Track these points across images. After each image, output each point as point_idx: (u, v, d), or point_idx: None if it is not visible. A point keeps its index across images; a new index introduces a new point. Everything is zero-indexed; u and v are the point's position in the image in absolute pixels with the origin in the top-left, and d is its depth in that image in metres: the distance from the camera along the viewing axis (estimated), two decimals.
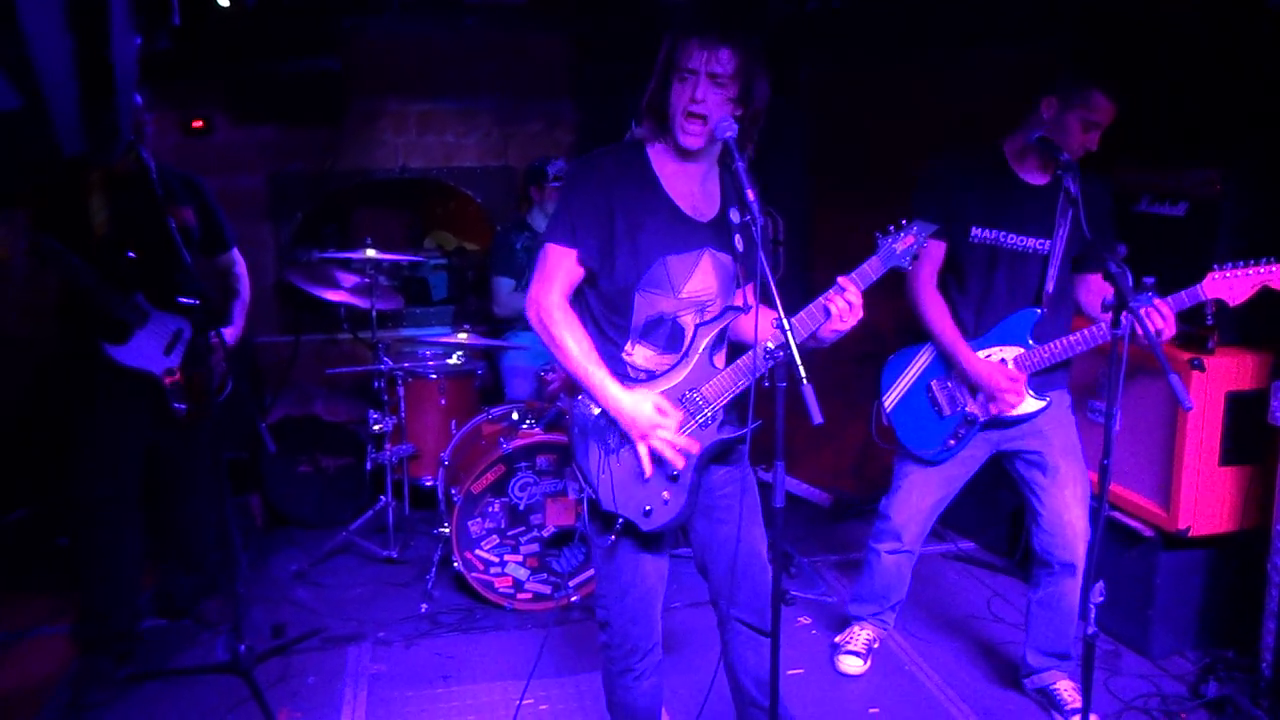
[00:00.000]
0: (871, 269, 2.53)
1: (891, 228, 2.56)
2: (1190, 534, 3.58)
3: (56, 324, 3.62)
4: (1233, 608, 3.72)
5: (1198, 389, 3.48)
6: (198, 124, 5.20)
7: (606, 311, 2.55)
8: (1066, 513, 3.32)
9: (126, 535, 3.67)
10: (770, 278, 2.28)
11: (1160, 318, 2.94)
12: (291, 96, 5.10)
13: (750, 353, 2.48)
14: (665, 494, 2.52)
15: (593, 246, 2.47)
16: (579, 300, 2.58)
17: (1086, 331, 3.15)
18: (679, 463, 2.47)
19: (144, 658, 3.76)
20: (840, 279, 2.48)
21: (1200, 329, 3.53)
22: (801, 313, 2.47)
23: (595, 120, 5.56)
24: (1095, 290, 3.33)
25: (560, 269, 2.49)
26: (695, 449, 2.50)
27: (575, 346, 2.48)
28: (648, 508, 2.52)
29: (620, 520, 2.53)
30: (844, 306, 2.45)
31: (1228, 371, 3.51)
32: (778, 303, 2.26)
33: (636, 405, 2.44)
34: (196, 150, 5.24)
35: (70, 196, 3.45)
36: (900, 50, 4.83)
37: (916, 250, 2.54)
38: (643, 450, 2.45)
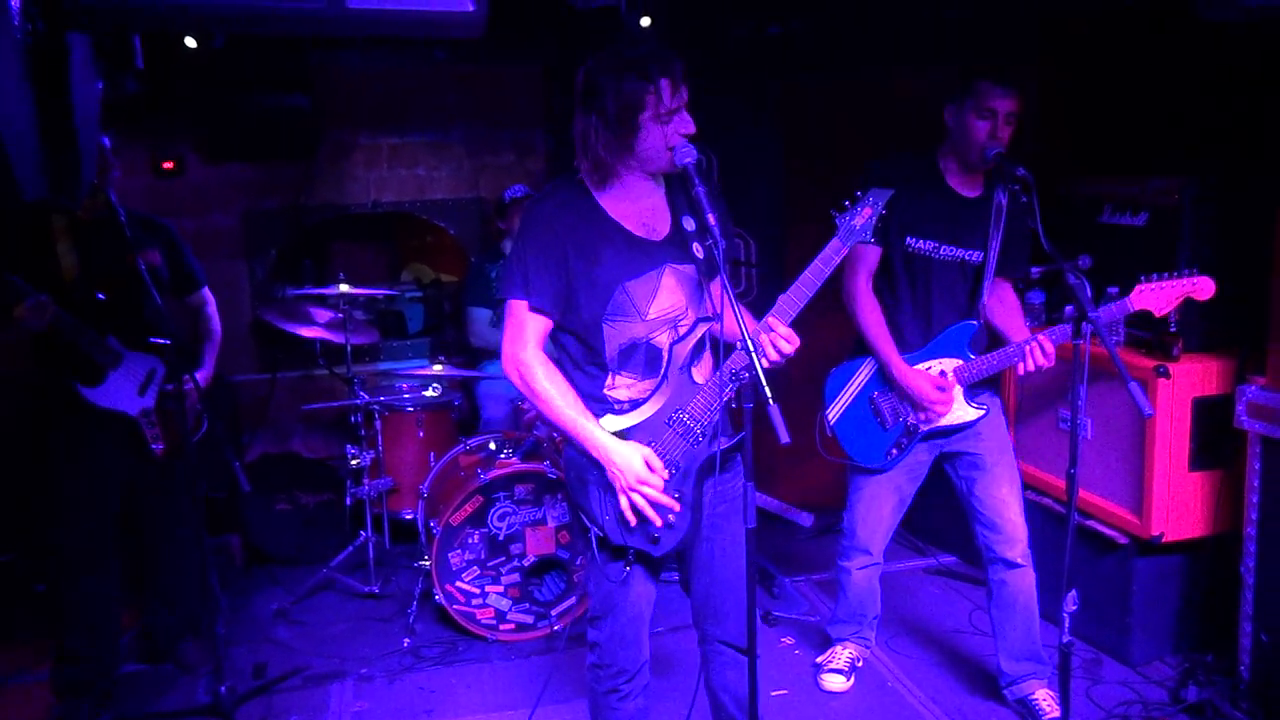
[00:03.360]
0: (834, 251, 2.49)
1: (847, 203, 2.51)
2: (1164, 540, 3.61)
3: (30, 366, 3.62)
4: (1210, 612, 3.75)
5: (1164, 395, 3.52)
6: (168, 165, 5.20)
7: (582, 350, 2.56)
8: (1005, 509, 3.39)
9: (104, 579, 3.65)
10: (734, 301, 2.30)
11: (1043, 354, 3.15)
12: (262, 134, 5.10)
13: (723, 366, 2.49)
14: (670, 516, 2.53)
15: (548, 292, 2.47)
16: (555, 346, 2.60)
17: (1018, 345, 3.23)
18: (658, 521, 2.48)
19: (124, 703, 3.73)
20: (769, 318, 2.45)
21: (1164, 336, 3.59)
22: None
23: (566, 149, 5.59)
24: (1002, 299, 3.43)
25: (526, 322, 2.50)
26: (676, 508, 2.50)
27: (560, 398, 2.49)
28: (655, 535, 2.53)
29: (632, 552, 2.56)
30: (773, 355, 2.43)
31: (1193, 377, 3.55)
32: (743, 326, 2.27)
33: (627, 459, 2.45)
34: (169, 190, 5.24)
35: (39, 241, 3.47)
36: (862, 67, 4.92)
37: (878, 221, 2.50)
38: (624, 502, 2.47)
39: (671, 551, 2.58)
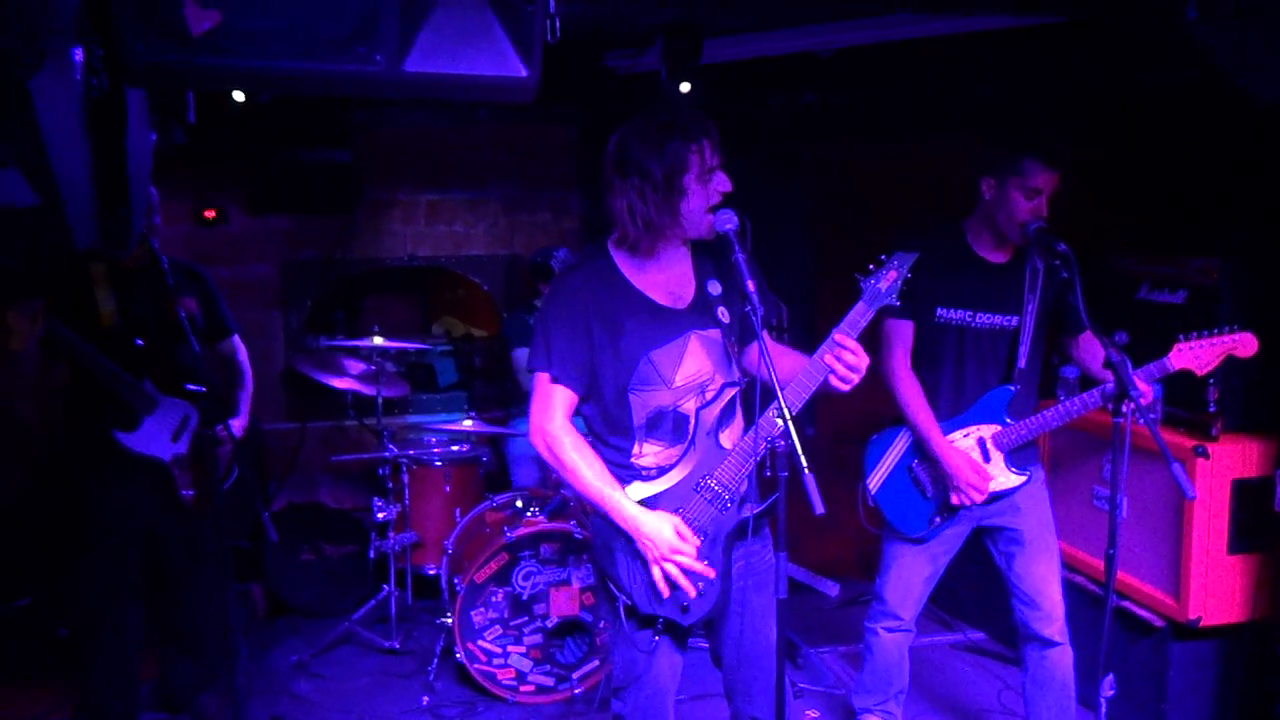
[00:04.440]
0: (859, 315, 2.46)
1: (871, 266, 2.49)
2: (1201, 624, 3.53)
3: (65, 411, 3.64)
4: (1247, 699, 3.64)
5: (1203, 476, 3.46)
6: (210, 214, 5.29)
7: (606, 420, 2.56)
8: (1044, 585, 3.32)
9: (128, 625, 3.64)
10: (770, 365, 2.29)
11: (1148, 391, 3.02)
12: (304, 187, 5.18)
13: (752, 432, 2.46)
14: (700, 585, 2.50)
15: (572, 364, 2.49)
16: (579, 419, 2.59)
17: (1061, 407, 3.18)
18: (691, 591, 2.45)
19: None
20: (837, 335, 2.41)
21: (1203, 415, 3.54)
22: (799, 375, 2.42)
23: (600, 210, 5.65)
24: (1088, 348, 3.35)
25: (553, 395, 2.51)
26: (711, 575, 2.48)
27: (588, 470, 2.48)
28: (685, 604, 2.50)
29: (661, 620, 2.53)
30: (844, 370, 2.39)
31: (1233, 458, 3.50)
32: (779, 394, 2.26)
33: (657, 529, 2.43)
34: (210, 239, 5.32)
35: (78, 287, 3.52)
36: (894, 135, 4.96)
37: (902, 285, 2.47)
38: (657, 573, 2.44)
39: (700, 620, 2.54)
